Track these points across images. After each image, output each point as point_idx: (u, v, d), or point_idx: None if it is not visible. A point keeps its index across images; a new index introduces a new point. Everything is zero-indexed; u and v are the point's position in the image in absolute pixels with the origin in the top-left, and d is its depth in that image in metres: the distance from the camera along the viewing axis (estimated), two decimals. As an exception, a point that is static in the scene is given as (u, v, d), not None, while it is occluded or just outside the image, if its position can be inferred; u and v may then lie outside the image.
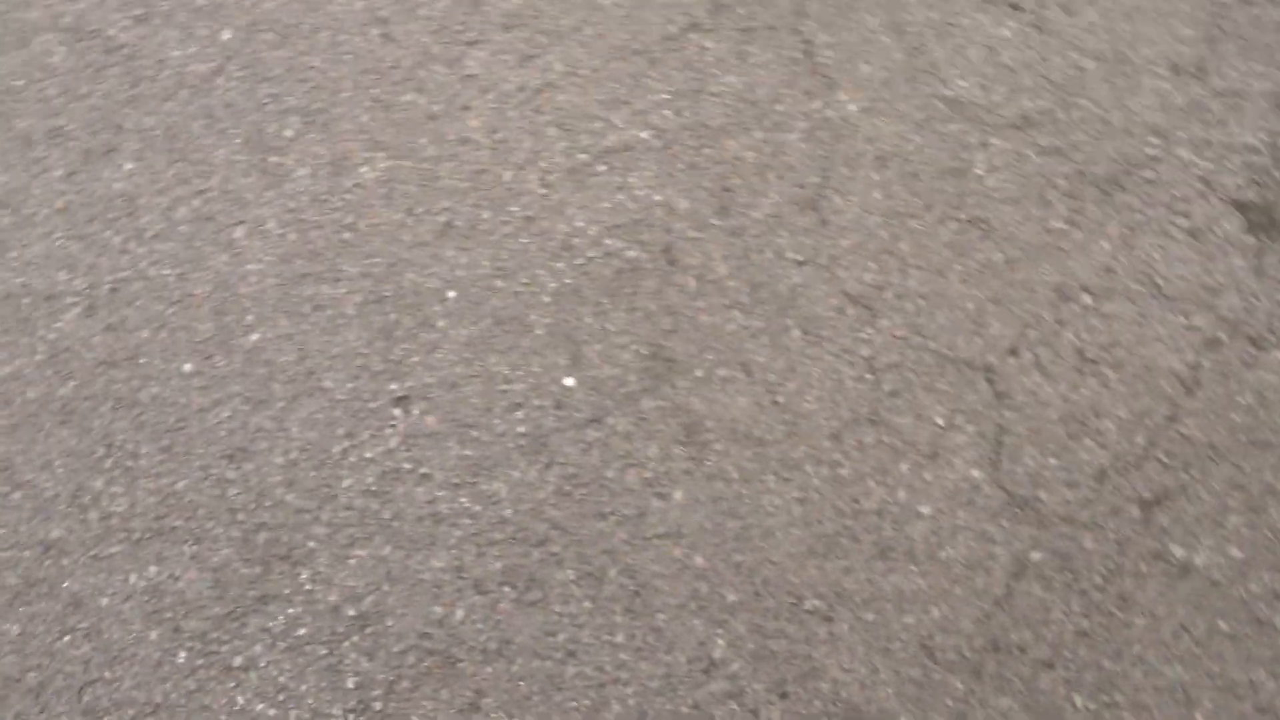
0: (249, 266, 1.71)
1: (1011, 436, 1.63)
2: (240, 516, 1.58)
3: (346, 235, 1.73)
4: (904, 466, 1.61)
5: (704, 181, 1.76)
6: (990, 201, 1.76)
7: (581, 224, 1.73)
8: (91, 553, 1.57)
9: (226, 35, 1.85)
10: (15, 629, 1.54)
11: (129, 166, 1.77)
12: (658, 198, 1.75)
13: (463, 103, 1.81)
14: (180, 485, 1.60)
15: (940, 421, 1.63)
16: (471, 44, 1.85)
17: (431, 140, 1.78)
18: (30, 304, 1.69)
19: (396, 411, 1.64)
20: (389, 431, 1.63)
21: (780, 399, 1.65)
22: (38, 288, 1.70)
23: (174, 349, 1.66)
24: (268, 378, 1.65)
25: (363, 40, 1.85)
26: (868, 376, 1.66)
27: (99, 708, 1.46)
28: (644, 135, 1.79)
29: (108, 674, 1.51)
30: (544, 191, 1.75)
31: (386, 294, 1.70)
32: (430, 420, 1.63)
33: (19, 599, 1.55)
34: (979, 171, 1.77)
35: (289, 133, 1.79)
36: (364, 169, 1.77)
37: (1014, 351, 1.68)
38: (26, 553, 1.57)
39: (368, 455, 1.62)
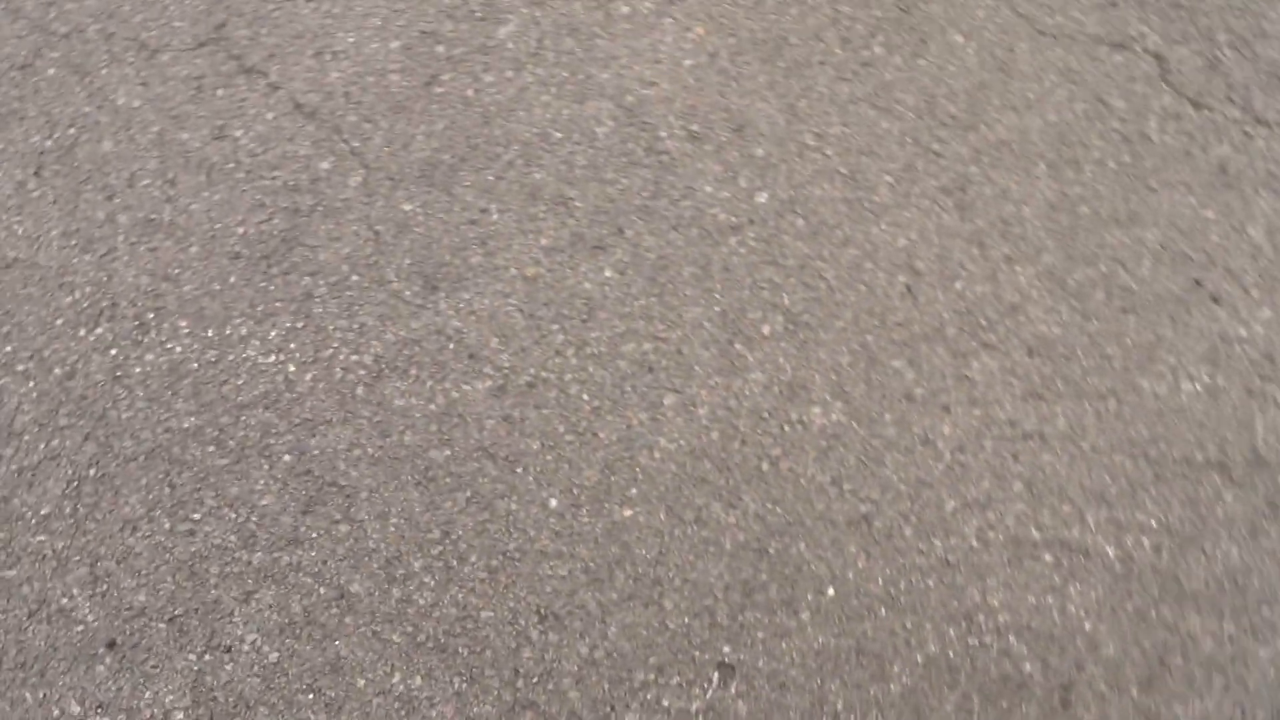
0: (660, 440, 1.70)
1: None
2: (519, 683, 1.57)
3: (764, 466, 1.69)
4: None
5: (1145, 640, 1.62)
6: None
7: (995, 603, 1.63)
8: (375, 627, 1.59)
9: (762, 199, 1.85)
10: (274, 656, 1.58)
11: (607, 273, 1.80)
12: (1087, 625, 1.62)
13: (945, 401, 1.74)
14: (485, 615, 1.60)
15: None
16: (986, 347, 1.77)
17: (895, 421, 1.72)
18: (454, 352, 1.74)
19: (714, 676, 1.58)
20: (697, 691, 1.57)
21: None
22: (469, 340, 1.75)
23: (551, 477, 1.67)
24: (617, 560, 1.63)
25: (885, 280, 1.81)
26: None
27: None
28: (1109, 550, 1.66)
29: (326, 758, 1.52)
30: (976, 545, 1.66)
31: (769, 550, 1.65)
32: (741, 707, 1.57)
33: (290, 630, 1.59)
34: None
35: (766, 329, 1.77)
36: (816, 409, 1.72)
37: None
38: (322, 589, 1.61)
39: (665, 702, 1.57)
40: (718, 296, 1.80)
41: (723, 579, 1.64)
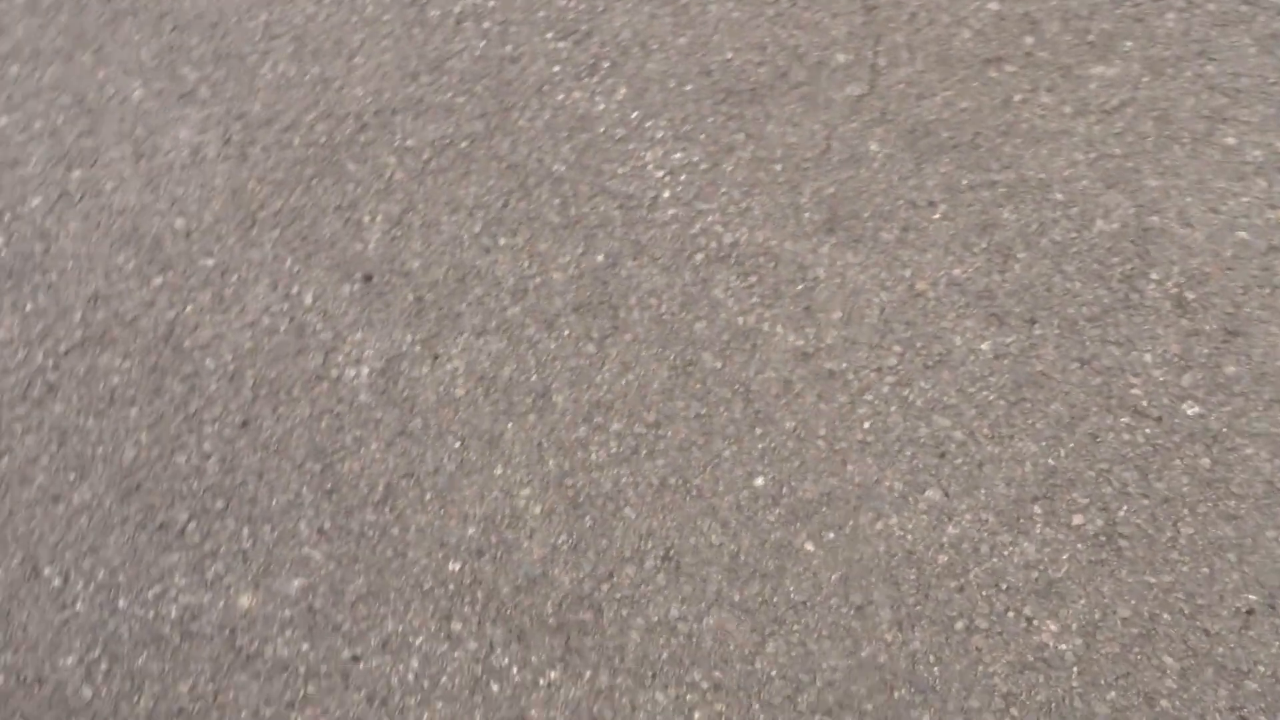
0: (893, 518, 1.69)
1: None
2: (603, 587, 1.66)
3: (958, 625, 1.64)
4: None
5: None
6: None
7: None
8: (543, 442, 1.73)
9: (1190, 411, 1.71)
10: (460, 392, 1.76)
11: (984, 346, 1.76)
12: None
13: (1183, 739, 1.56)
14: (628, 512, 1.70)
15: None
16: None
17: (1116, 704, 1.59)
18: (797, 294, 1.80)
19: (751, 742, 1.58)
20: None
21: None
22: (817, 294, 1.79)
23: (777, 462, 1.70)
24: (764, 574, 1.68)
25: (1235, 585, 1.63)
26: None
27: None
28: None
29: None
30: None
31: (896, 692, 1.62)
32: (747, 788, 1.56)
33: (484, 384, 1.76)
34: None
35: (1078, 519, 1.67)
36: (1052, 625, 1.63)
37: None
38: (524, 379, 1.75)
39: (696, 715, 1.59)
40: (1061, 452, 1.70)
41: (832, 674, 1.61)
